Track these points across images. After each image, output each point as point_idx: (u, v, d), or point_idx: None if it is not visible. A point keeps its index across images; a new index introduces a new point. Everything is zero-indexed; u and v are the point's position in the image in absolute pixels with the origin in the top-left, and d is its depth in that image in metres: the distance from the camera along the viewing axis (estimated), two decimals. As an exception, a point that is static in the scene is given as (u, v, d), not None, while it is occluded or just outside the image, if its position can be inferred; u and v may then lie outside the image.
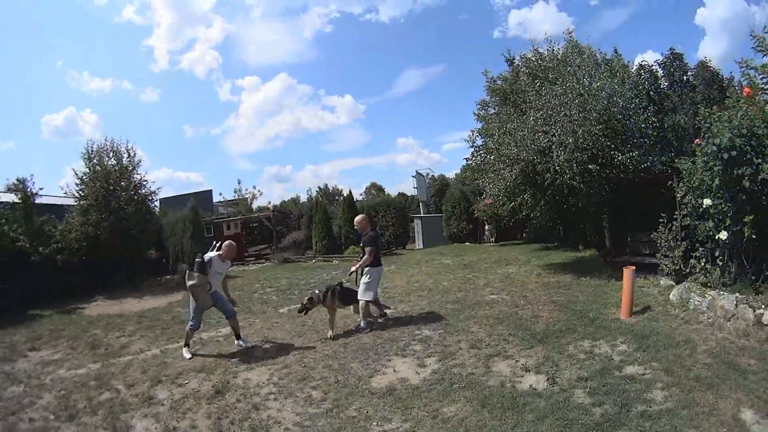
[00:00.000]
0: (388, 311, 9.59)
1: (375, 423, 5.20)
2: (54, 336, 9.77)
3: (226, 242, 8.33)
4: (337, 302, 8.78)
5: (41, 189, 15.60)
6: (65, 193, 16.41)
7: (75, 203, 16.16)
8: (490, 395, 5.54)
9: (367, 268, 8.76)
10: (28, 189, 15.01)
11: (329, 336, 8.39)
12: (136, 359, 7.99)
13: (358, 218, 9.39)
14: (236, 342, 8.31)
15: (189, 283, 7.71)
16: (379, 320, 9.19)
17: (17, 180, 15.04)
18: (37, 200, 15.59)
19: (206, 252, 8.13)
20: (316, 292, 8.87)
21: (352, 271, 9.09)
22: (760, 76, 8.24)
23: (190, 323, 7.96)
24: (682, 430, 4.45)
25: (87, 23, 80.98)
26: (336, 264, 19.48)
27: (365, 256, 8.71)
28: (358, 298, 8.81)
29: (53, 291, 14.02)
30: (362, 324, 8.72)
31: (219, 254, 8.09)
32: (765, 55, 8.15)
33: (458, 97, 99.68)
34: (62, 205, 17.42)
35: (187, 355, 7.84)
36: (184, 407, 5.93)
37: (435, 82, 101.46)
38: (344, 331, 8.73)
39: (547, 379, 5.84)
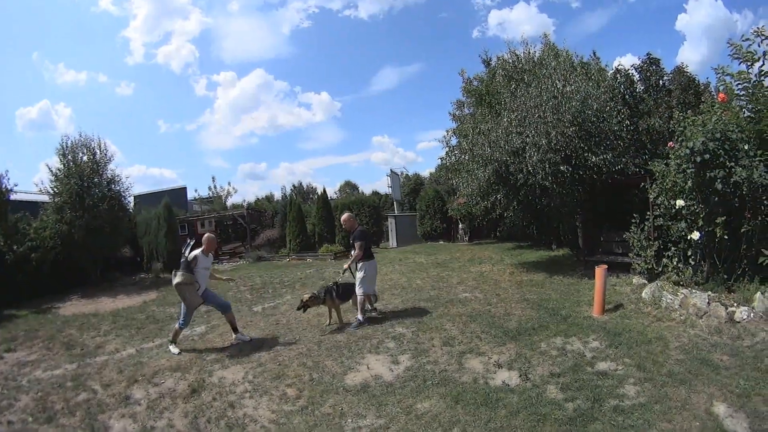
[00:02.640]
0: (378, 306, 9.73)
1: (350, 420, 5.19)
2: (29, 336, 9.58)
3: (206, 235, 8.30)
4: (337, 300, 8.85)
5: (16, 185, 15.27)
6: (40, 190, 16.00)
7: (49, 200, 15.82)
8: (463, 391, 5.54)
9: (360, 263, 8.79)
10: (3, 186, 14.64)
11: (327, 324, 8.89)
12: (112, 359, 7.87)
13: (344, 216, 9.38)
14: (234, 336, 8.31)
15: (175, 281, 7.72)
16: (373, 314, 9.30)
17: None
18: (12, 197, 15.22)
19: (182, 250, 8.08)
20: (315, 293, 8.97)
21: (345, 268, 9.11)
22: (736, 83, 8.37)
23: (180, 321, 7.93)
24: (655, 424, 4.49)
25: (64, 12, 79.96)
26: (309, 262, 19.39)
27: (356, 251, 8.73)
28: (356, 292, 8.86)
29: (28, 290, 13.73)
30: (360, 318, 8.75)
31: (201, 250, 8.03)
32: (741, 62, 8.27)
33: (435, 97, 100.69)
34: (36, 202, 17.09)
35: (175, 351, 7.81)
36: (161, 407, 5.86)
37: (412, 80, 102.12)
38: (319, 329, 8.71)
39: (520, 376, 5.87)
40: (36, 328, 10.26)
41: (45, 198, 16.19)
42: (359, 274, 8.78)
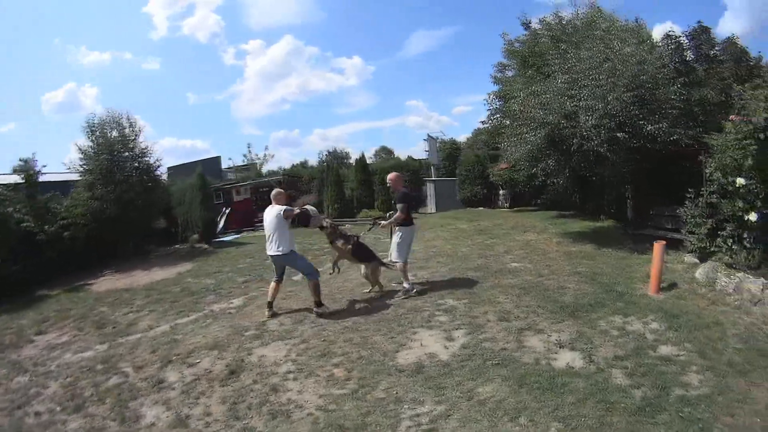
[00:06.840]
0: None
1: (407, 406, 4.90)
2: (61, 317, 9.44)
3: (274, 191, 8.31)
4: (348, 247, 8.58)
5: (44, 166, 15.36)
6: (69, 169, 16.17)
7: (80, 178, 16.01)
8: (526, 374, 5.35)
9: (399, 227, 8.54)
10: (32, 168, 14.84)
11: (330, 270, 9.19)
12: (145, 337, 7.74)
13: (391, 175, 9.08)
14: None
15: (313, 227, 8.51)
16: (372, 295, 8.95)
17: (21, 161, 14.79)
18: (41, 178, 15.40)
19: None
20: (340, 228, 9.04)
21: (383, 225, 8.80)
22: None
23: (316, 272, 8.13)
24: (720, 418, 4.38)
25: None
26: (349, 228, 19.26)
27: (396, 213, 8.42)
28: (390, 259, 8.67)
29: (61, 269, 13.91)
30: (406, 285, 8.53)
31: (278, 204, 8.01)
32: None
33: (470, 60, 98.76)
34: (67, 182, 17.34)
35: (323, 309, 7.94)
36: (197, 391, 5.64)
37: (446, 44, 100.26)
38: (363, 299, 8.64)
39: (583, 357, 5.72)
40: (68, 307, 10.13)
41: (75, 176, 16.38)
42: (395, 239, 8.53)
